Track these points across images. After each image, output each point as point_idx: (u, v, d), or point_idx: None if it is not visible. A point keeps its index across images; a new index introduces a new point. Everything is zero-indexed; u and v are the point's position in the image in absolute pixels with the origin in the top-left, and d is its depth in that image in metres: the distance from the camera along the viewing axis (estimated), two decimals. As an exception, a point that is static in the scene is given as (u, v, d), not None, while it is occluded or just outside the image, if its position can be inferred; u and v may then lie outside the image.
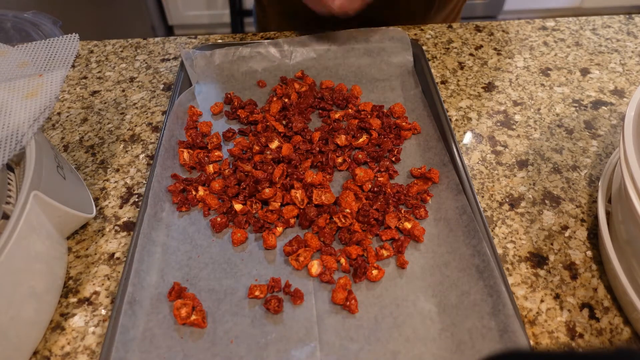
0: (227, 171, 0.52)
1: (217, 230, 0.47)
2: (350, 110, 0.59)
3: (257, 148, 0.53)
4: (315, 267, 0.43)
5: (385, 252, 0.44)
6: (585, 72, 0.66)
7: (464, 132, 0.57)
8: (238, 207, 0.48)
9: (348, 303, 0.40)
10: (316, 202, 0.48)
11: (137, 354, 0.38)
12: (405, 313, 0.40)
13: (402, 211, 0.47)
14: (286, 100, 0.59)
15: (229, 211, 0.48)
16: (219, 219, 0.47)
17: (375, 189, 0.49)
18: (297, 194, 0.48)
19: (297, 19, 0.73)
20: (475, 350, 0.37)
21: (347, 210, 0.47)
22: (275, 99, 0.60)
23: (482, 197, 0.50)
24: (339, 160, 0.53)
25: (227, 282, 0.43)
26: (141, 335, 0.39)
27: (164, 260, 0.44)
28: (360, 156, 0.53)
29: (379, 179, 0.50)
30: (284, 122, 0.57)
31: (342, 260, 0.44)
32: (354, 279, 0.43)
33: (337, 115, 0.58)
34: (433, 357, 0.37)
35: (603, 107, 0.60)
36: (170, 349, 0.38)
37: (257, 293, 0.41)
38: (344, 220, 0.46)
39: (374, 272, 0.43)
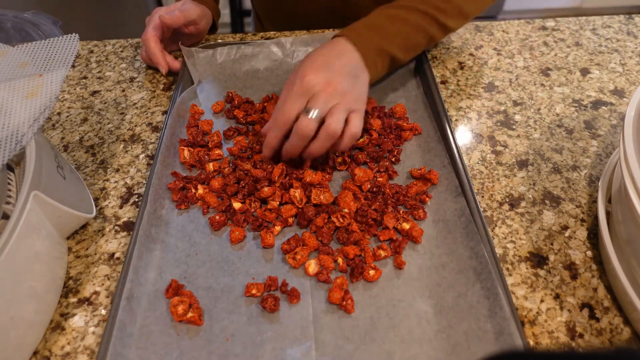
0: (226, 169, 0.52)
1: (215, 229, 0.47)
2: None
3: (257, 147, 0.53)
4: (312, 266, 0.43)
5: (382, 253, 0.44)
6: (585, 72, 0.66)
7: (464, 132, 0.57)
8: (237, 205, 0.48)
9: (344, 303, 0.40)
10: (315, 202, 0.48)
11: (133, 350, 0.38)
12: (401, 314, 0.40)
13: (401, 212, 0.47)
14: None
15: (227, 209, 0.48)
16: (217, 217, 0.47)
17: (374, 189, 0.49)
18: (296, 193, 0.48)
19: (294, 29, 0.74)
20: (471, 352, 0.37)
21: (346, 210, 0.47)
22: (272, 102, 0.60)
23: (482, 197, 0.50)
24: (339, 160, 0.53)
25: (224, 280, 0.43)
26: (138, 331, 0.39)
27: (162, 257, 0.44)
28: (360, 156, 0.53)
29: (378, 179, 0.50)
30: None
31: (340, 260, 0.44)
32: (350, 278, 0.43)
33: None
34: (428, 358, 0.37)
35: (603, 107, 0.60)
36: (166, 345, 0.38)
37: (253, 291, 0.41)
38: (342, 220, 0.46)
39: (371, 272, 0.43)
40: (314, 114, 0.46)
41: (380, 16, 0.55)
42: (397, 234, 0.46)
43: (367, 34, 0.53)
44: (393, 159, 0.53)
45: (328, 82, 0.47)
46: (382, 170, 0.52)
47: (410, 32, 0.56)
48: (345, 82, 0.48)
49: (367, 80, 0.52)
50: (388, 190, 0.49)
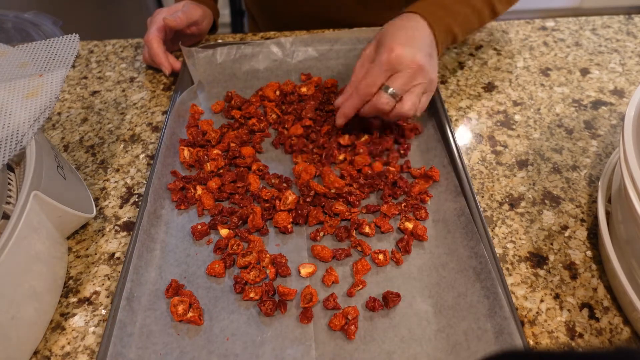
0: (221, 170, 0.52)
1: (197, 238, 0.46)
2: None
3: (256, 125, 0.57)
4: (306, 268, 0.43)
5: (397, 255, 0.44)
6: (585, 72, 0.66)
7: (464, 132, 0.57)
8: (224, 232, 0.46)
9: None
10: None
11: (133, 349, 0.38)
12: (401, 313, 0.40)
13: (402, 205, 0.48)
14: (289, 106, 0.60)
15: (214, 226, 0.47)
16: (199, 227, 0.46)
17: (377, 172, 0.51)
18: (289, 197, 0.48)
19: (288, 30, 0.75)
20: (471, 352, 0.37)
21: (333, 190, 0.48)
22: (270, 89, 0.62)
23: (482, 197, 0.50)
24: (341, 157, 0.53)
25: (224, 279, 0.43)
26: (138, 331, 0.39)
27: (163, 257, 0.44)
28: (361, 150, 0.53)
29: (391, 168, 0.51)
30: (282, 108, 0.59)
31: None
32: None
33: None
34: (428, 357, 0.37)
35: (603, 107, 0.60)
36: (166, 345, 0.38)
37: (252, 295, 0.41)
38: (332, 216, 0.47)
39: (380, 256, 0.43)
40: (394, 92, 0.47)
41: None
42: (400, 233, 0.46)
43: (438, 12, 0.53)
44: (402, 151, 0.54)
45: (413, 60, 0.47)
46: (392, 161, 0.52)
47: (470, 14, 0.56)
48: (427, 61, 0.48)
49: (437, 59, 0.52)
50: (391, 176, 0.50)
